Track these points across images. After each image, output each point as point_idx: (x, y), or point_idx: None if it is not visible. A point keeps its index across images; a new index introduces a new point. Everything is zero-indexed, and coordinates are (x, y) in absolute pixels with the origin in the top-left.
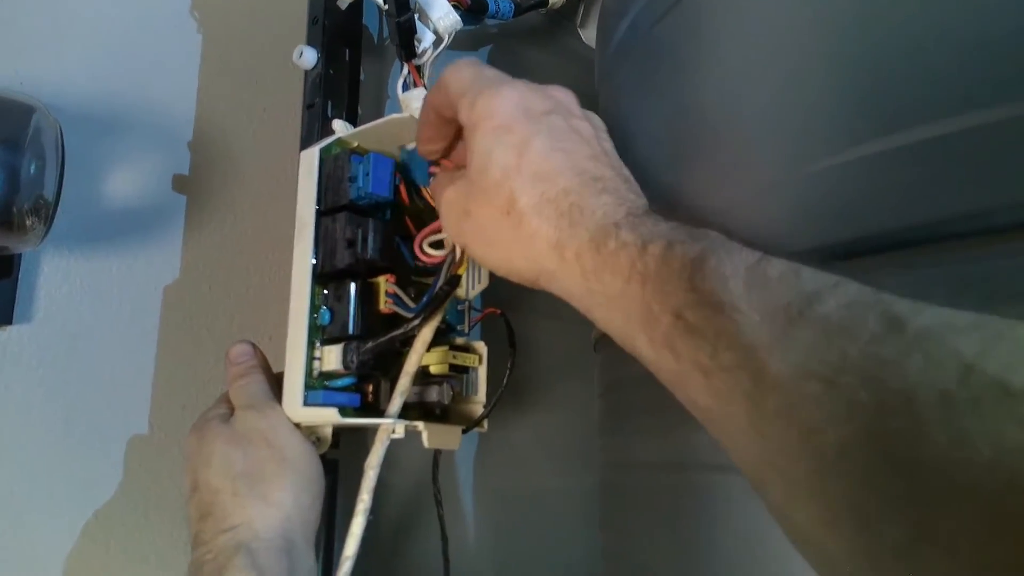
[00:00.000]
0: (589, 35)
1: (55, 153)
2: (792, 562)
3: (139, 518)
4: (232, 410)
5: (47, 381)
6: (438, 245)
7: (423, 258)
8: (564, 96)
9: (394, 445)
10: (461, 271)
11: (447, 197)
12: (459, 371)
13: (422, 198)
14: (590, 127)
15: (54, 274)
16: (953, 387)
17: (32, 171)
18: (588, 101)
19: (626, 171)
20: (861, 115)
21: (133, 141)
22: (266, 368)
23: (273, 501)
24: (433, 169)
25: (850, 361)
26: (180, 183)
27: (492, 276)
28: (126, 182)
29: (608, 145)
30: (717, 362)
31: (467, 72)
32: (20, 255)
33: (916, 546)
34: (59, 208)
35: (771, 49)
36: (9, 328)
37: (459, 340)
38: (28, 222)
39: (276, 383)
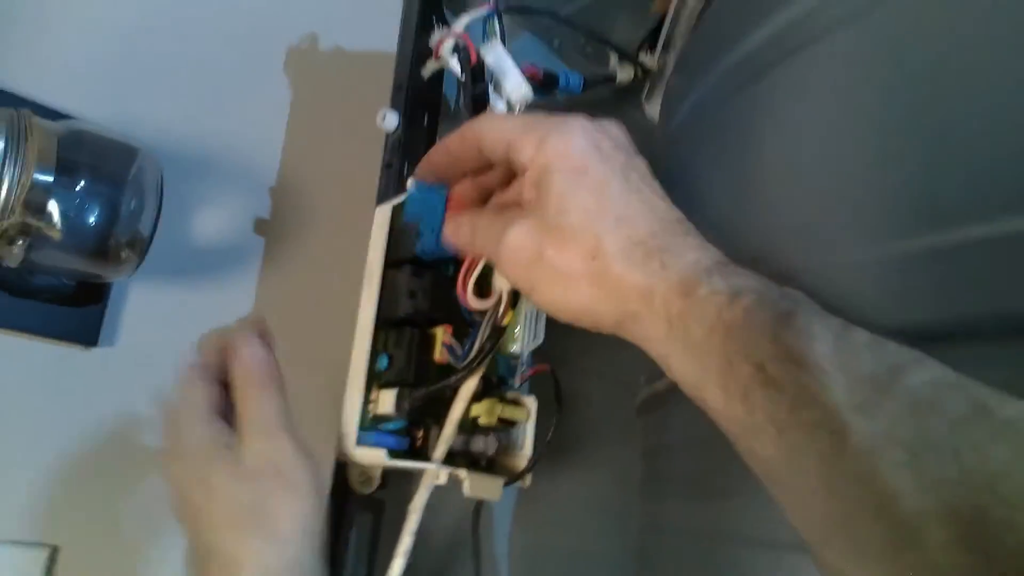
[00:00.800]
0: (653, 109)
1: (155, 193)
2: None
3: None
4: (227, 425)
5: (124, 402)
6: (483, 293)
7: (468, 304)
8: (620, 131)
9: (437, 492)
10: (506, 323)
11: (514, 241)
12: (507, 424)
13: None
14: (646, 166)
15: (139, 304)
16: None
17: (132, 207)
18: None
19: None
20: (901, 211)
21: (220, 183)
22: (279, 375)
23: (281, 536)
24: (455, 214)
25: (937, 437)
26: (260, 226)
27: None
28: (210, 221)
29: (660, 187)
30: (796, 418)
31: (511, 121)
32: (111, 284)
33: None
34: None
35: (823, 140)
36: (94, 350)
37: (510, 394)
38: (123, 254)
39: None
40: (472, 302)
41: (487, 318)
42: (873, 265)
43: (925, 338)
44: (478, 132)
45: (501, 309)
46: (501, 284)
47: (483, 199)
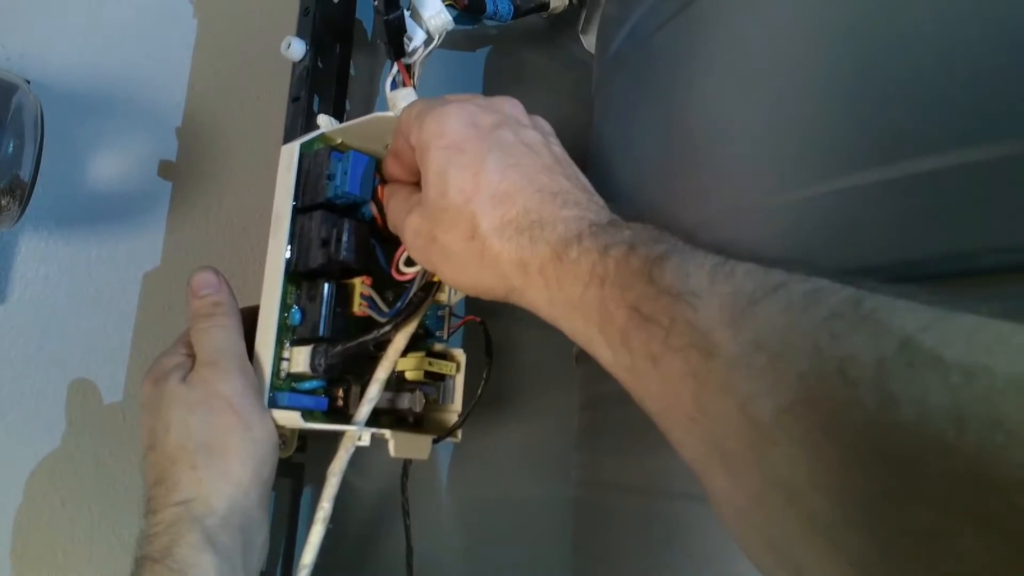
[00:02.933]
0: (590, 41)
1: (34, 133)
2: None
3: (109, 505)
4: (192, 358)
5: (17, 363)
6: (412, 260)
7: (399, 277)
8: (511, 107)
9: (366, 451)
10: (436, 278)
11: (411, 225)
12: (436, 379)
13: None
14: (539, 136)
15: (31, 256)
16: (890, 354)
17: (10, 150)
18: (586, 106)
19: (583, 178)
20: (853, 144)
21: (120, 124)
22: (233, 306)
23: (233, 478)
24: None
25: (801, 334)
26: (166, 169)
27: None
28: (111, 165)
29: (559, 150)
30: (668, 346)
31: (417, 104)
32: None
33: (841, 517)
34: (40, 188)
35: (768, 68)
36: None
37: (437, 347)
38: (3, 202)
39: (246, 325)
40: (403, 271)
41: (420, 274)
42: (787, 208)
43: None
44: (398, 124)
45: None
46: None
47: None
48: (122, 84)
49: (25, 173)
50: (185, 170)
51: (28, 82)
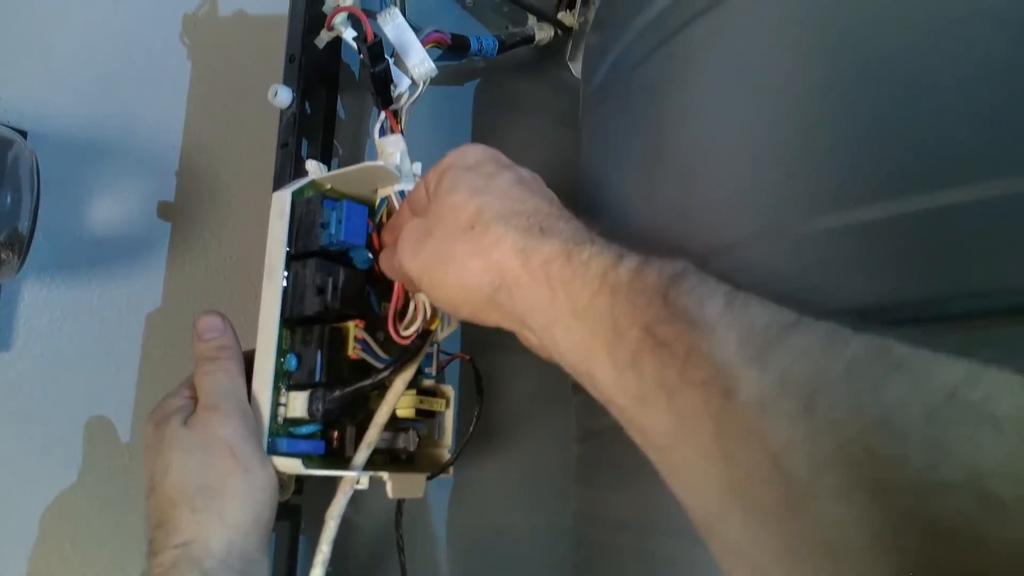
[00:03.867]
0: (578, 67)
1: (31, 185)
2: None
3: (118, 545)
4: (195, 401)
5: (25, 408)
6: (410, 320)
7: (400, 341)
8: (482, 152)
9: (359, 490)
10: (434, 326)
11: (410, 226)
12: (426, 415)
13: None
14: (539, 181)
15: (35, 302)
16: (940, 403)
17: (7, 204)
18: (575, 133)
19: None
20: (837, 180)
21: (118, 167)
22: (237, 350)
23: (231, 521)
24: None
25: (830, 381)
26: (165, 210)
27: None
28: (110, 209)
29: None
30: (685, 379)
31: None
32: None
33: None
34: (41, 235)
35: (749, 104)
36: None
37: (426, 383)
38: (2, 255)
39: (247, 369)
40: (402, 333)
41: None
42: (771, 245)
43: (867, 319)
44: (407, 201)
45: (428, 315)
46: (421, 296)
47: None
48: (119, 129)
49: (23, 226)
50: (184, 210)
51: (25, 133)
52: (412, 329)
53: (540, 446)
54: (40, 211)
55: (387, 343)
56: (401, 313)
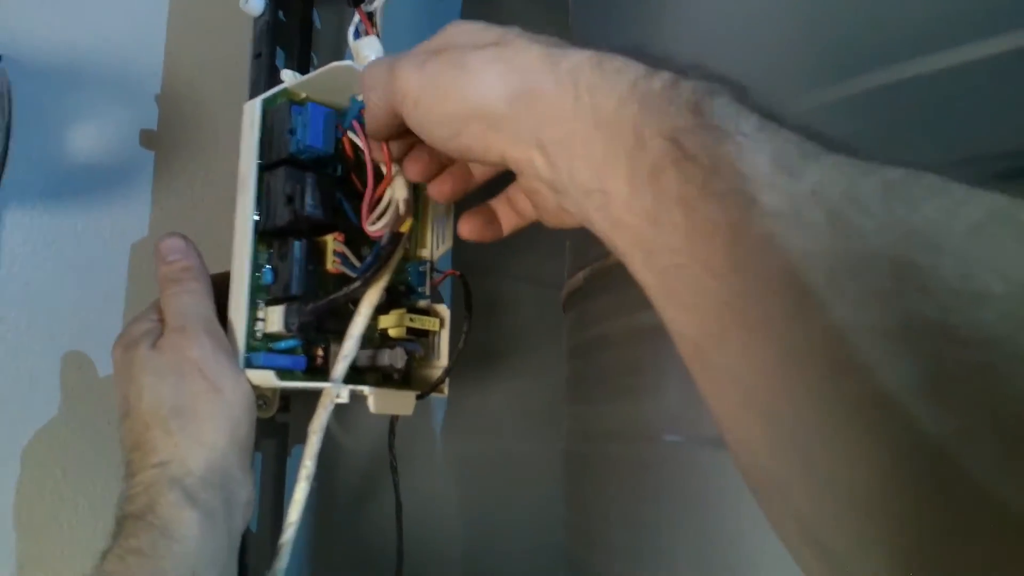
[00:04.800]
0: None
1: (2, 106)
2: (754, 536)
3: (112, 475)
4: (163, 323)
5: (9, 338)
6: (381, 213)
7: (371, 233)
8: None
9: (355, 411)
10: (405, 228)
11: (419, 48)
12: (421, 335)
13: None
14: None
15: (15, 230)
16: (984, 219)
17: None
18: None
19: None
20: (833, 55)
21: (98, 94)
22: (202, 271)
23: (207, 442)
24: None
25: (864, 194)
26: (148, 138)
27: (456, 239)
28: (92, 137)
29: None
30: (707, 190)
31: (374, 71)
32: None
33: (910, 395)
34: (22, 163)
35: None
36: None
37: (421, 303)
38: None
39: (217, 290)
40: (369, 227)
41: (388, 226)
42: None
43: None
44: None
45: (402, 211)
46: (396, 194)
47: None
48: (97, 55)
49: None
50: (167, 138)
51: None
52: (381, 224)
53: (534, 371)
54: (20, 139)
55: None
56: (377, 217)
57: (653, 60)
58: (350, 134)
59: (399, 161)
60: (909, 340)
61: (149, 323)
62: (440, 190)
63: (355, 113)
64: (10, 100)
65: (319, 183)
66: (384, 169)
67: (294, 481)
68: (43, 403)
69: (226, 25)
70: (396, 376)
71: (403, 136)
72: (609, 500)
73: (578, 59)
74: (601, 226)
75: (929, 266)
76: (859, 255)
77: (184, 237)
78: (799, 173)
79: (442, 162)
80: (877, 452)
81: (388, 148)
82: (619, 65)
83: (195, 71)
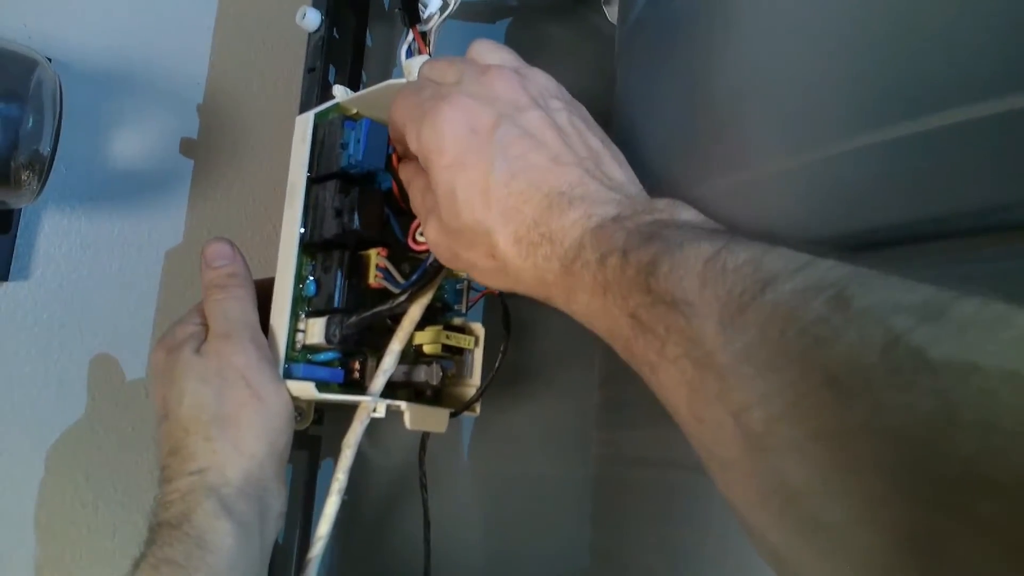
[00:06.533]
0: (613, 11)
1: (53, 108)
2: None
3: (133, 481)
4: (206, 327)
5: (41, 339)
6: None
7: (415, 247)
8: (504, 88)
9: (385, 425)
10: None
11: (432, 237)
12: (455, 353)
13: None
14: (541, 115)
15: (54, 232)
16: (876, 359)
17: (30, 125)
18: (608, 79)
19: (596, 142)
20: (878, 100)
21: (141, 101)
22: (247, 277)
23: (246, 450)
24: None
25: (788, 343)
26: (187, 146)
27: None
28: (133, 143)
29: (564, 119)
30: (664, 356)
31: (406, 102)
32: (19, 211)
33: (837, 518)
34: (63, 166)
35: (788, 28)
36: (5, 284)
37: (456, 320)
38: (23, 177)
39: (261, 298)
40: (419, 241)
41: None
42: (813, 169)
43: (868, 246)
44: (391, 121)
45: None
46: None
47: None
48: (143, 62)
49: (45, 148)
50: (206, 147)
51: (49, 60)
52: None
53: (562, 393)
54: (62, 141)
55: (411, 275)
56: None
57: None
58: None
59: None
60: (848, 473)
61: (193, 327)
62: None
63: None
64: (62, 102)
65: (369, 198)
66: None
67: (324, 494)
68: (71, 406)
69: (269, 39)
70: (428, 393)
71: None
72: (639, 525)
73: (555, 274)
74: None
75: (840, 406)
76: (790, 401)
77: (230, 242)
78: (735, 329)
79: None
80: None
81: None
82: (579, 268)
83: (237, 83)
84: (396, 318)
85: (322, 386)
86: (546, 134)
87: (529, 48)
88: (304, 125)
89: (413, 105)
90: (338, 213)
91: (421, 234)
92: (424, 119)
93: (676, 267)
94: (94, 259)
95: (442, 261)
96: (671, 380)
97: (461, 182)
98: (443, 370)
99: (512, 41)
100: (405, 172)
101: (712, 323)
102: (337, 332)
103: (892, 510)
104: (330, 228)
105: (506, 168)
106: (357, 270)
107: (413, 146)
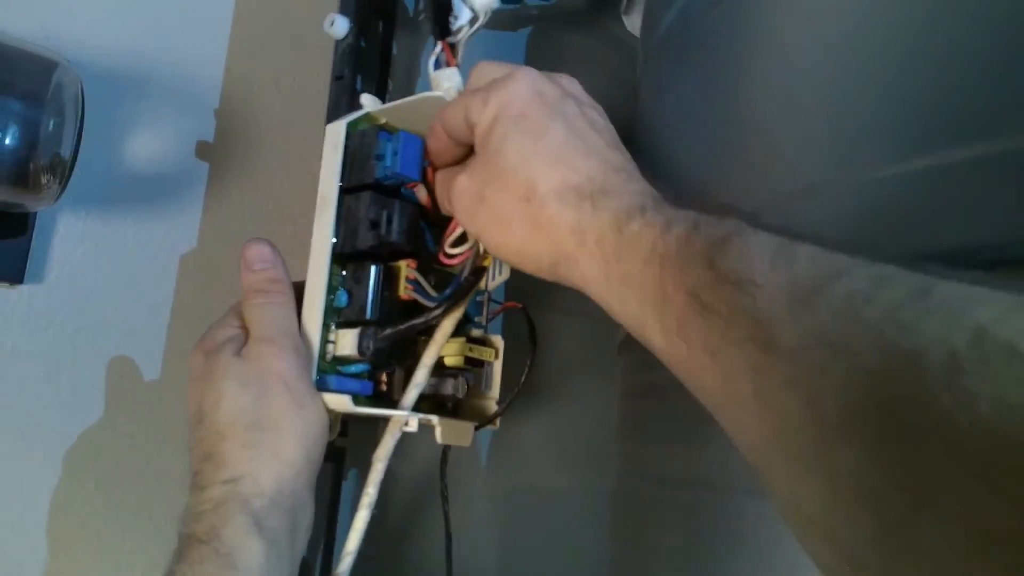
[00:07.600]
0: (633, 22)
1: (75, 111)
2: None
3: (144, 487)
4: (245, 331)
5: (56, 342)
6: (460, 241)
7: (446, 261)
8: (571, 84)
9: (405, 437)
10: (487, 263)
11: (460, 185)
12: (474, 364)
13: None
14: (600, 116)
15: (69, 235)
16: (963, 348)
17: (51, 128)
18: (628, 90)
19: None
20: (924, 124)
21: (158, 104)
22: (288, 282)
23: (285, 458)
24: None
25: (866, 327)
26: (203, 150)
27: (513, 271)
28: (149, 146)
29: (616, 137)
30: (727, 338)
31: (464, 97)
32: (35, 214)
33: (915, 516)
34: (78, 168)
35: (833, 46)
36: (20, 287)
37: (476, 332)
38: (43, 180)
39: (298, 300)
40: (450, 253)
41: (471, 258)
42: (849, 190)
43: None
44: (441, 122)
45: (482, 248)
46: None
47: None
48: (160, 65)
49: (65, 151)
50: (222, 151)
51: (68, 61)
52: (460, 249)
53: (584, 405)
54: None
55: (440, 287)
56: (456, 243)
57: (673, 198)
58: None
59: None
60: (918, 474)
61: (232, 330)
62: None
63: None
64: (83, 104)
65: (404, 210)
66: None
67: (348, 507)
68: (84, 411)
69: (286, 45)
70: (449, 406)
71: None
72: (665, 544)
73: (601, 229)
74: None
75: (926, 396)
76: (865, 391)
77: (271, 244)
78: (805, 313)
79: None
80: None
81: None
82: (636, 228)
83: (253, 87)
84: (424, 331)
85: (357, 399)
86: (603, 129)
87: (551, 56)
88: (336, 134)
89: (472, 92)
90: (374, 225)
91: (452, 246)
92: (491, 91)
93: (746, 247)
94: (109, 262)
95: (460, 211)
96: (734, 364)
97: (519, 127)
98: (467, 383)
99: (534, 50)
100: (442, 179)
101: (782, 304)
102: (371, 344)
103: (979, 510)
104: (365, 240)
105: (566, 129)
106: (387, 281)
107: (476, 114)
